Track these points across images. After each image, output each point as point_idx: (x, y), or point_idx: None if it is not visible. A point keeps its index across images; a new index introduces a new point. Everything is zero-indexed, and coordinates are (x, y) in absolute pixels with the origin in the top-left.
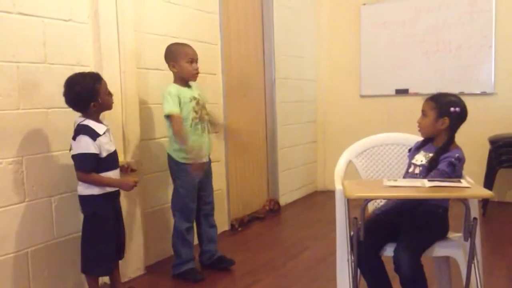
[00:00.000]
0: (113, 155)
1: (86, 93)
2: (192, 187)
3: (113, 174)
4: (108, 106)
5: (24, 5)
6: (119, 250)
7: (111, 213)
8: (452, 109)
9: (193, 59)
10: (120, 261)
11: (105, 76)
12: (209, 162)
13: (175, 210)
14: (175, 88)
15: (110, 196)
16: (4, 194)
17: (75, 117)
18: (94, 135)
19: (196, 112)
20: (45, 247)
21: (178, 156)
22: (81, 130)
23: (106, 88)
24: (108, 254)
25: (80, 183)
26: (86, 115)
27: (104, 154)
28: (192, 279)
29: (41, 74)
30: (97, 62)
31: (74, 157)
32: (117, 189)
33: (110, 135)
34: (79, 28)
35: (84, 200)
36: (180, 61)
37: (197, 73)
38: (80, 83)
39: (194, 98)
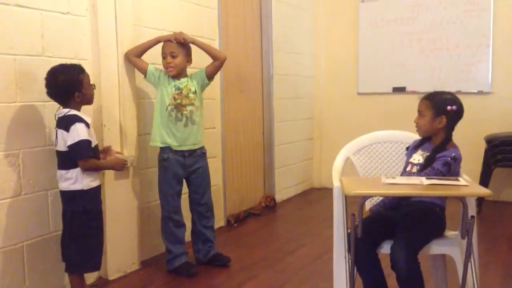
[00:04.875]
0: (96, 149)
1: (70, 83)
2: (170, 175)
3: None
4: (90, 99)
5: None
6: None
7: (100, 207)
8: (449, 107)
9: (165, 53)
10: (116, 256)
11: (102, 70)
12: (203, 162)
13: (160, 199)
14: (162, 71)
15: (97, 190)
16: (0, 187)
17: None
18: (86, 123)
19: (174, 99)
20: (41, 241)
21: (155, 140)
22: (73, 119)
23: (89, 80)
24: (98, 248)
25: (64, 178)
26: (70, 106)
27: (93, 144)
28: (186, 274)
29: (38, 67)
30: (95, 56)
31: (73, 145)
32: (99, 184)
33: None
34: (77, 21)
35: (72, 196)
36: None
37: (169, 67)
38: (65, 73)
39: (178, 88)
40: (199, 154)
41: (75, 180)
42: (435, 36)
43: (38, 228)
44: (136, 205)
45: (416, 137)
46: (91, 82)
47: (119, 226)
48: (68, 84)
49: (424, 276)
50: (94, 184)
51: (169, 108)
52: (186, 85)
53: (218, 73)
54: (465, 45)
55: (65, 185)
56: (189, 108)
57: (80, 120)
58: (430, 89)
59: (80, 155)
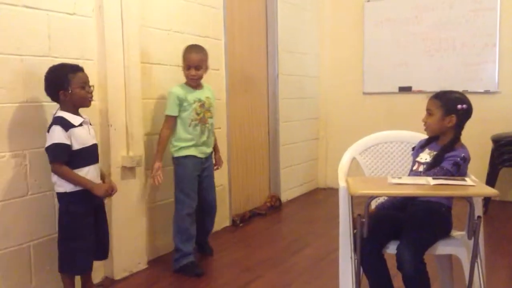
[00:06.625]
0: (90, 150)
1: (56, 81)
2: (191, 172)
3: (91, 169)
4: (80, 100)
5: None
6: (100, 250)
7: (86, 210)
8: (459, 106)
9: (190, 66)
10: (122, 255)
11: (108, 70)
12: (212, 160)
13: (179, 197)
14: (178, 90)
15: (87, 192)
16: (7, 188)
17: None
18: (67, 125)
19: (197, 114)
20: (48, 241)
21: (172, 151)
22: (53, 121)
23: (83, 82)
24: (83, 252)
25: (54, 180)
26: (61, 107)
27: (76, 147)
28: (192, 273)
29: (45, 67)
30: (101, 56)
31: (48, 148)
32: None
33: (89, 128)
34: (83, 21)
35: (58, 197)
36: (183, 65)
37: (193, 78)
38: (54, 71)
39: (199, 100)
40: (211, 154)
41: (58, 182)
42: (441, 36)
43: (45, 228)
44: (142, 205)
45: (422, 137)
46: (91, 83)
47: (125, 225)
48: (53, 82)
49: (430, 276)
50: (80, 187)
51: (193, 123)
52: (207, 97)
53: (223, 73)
54: (471, 44)
55: (55, 187)
56: (210, 121)
57: (59, 122)
58: (436, 88)
59: (52, 158)
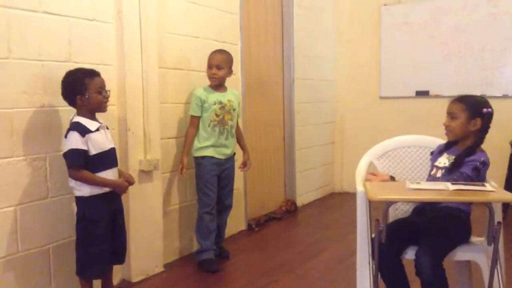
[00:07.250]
0: (109, 154)
1: (74, 85)
2: (209, 171)
3: (109, 173)
4: (97, 105)
5: (50, 4)
6: (117, 254)
7: (103, 215)
8: (485, 110)
9: (211, 64)
10: (139, 259)
11: (127, 75)
12: (232, 162)
13: (199, 196)
14: (200, 91)
15: (104, 197)
16: (28, 190)
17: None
18: (84, 131)
19: (217, 115)
20: (67, 243)
21: (193, 150)
22: (71, 127)
23: (99, 87)
24: (99, 257)
25: (72, 185)
26: (78, 112)
27: (93, 152)
28: (209, 269)
29: (65, 72)
30: (120, 61)
31: (65, 154)
32: (109, 190)
33: (106, 132)
34: (103, 27)
35: (76, 202)
36: (207, 66)
37: (213, 77)
38: (71, 76)
39: (220, 103)
40: (231, 156)
41: (76, 186)
42: (459, 40)
43: (64, 230)
44: (159, 208)
45: (441, 141)
46: (110, 88)
47: (142, 229)
48: (71, 87)
49: (449, 283)
50: (98, 191)
51: (212, 124)
52: (229, 100)
53: (240, 77)
54: (489, 48)
55: (74, 191)
56: (230, 123)
57: (75, 128)
58: (454, 93)
59: (70, 163)
